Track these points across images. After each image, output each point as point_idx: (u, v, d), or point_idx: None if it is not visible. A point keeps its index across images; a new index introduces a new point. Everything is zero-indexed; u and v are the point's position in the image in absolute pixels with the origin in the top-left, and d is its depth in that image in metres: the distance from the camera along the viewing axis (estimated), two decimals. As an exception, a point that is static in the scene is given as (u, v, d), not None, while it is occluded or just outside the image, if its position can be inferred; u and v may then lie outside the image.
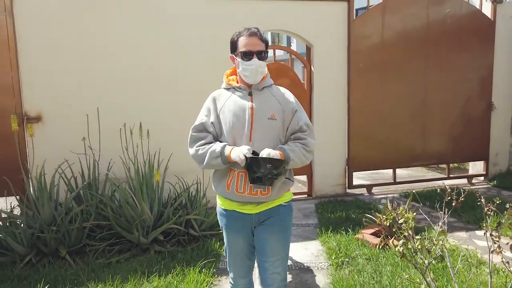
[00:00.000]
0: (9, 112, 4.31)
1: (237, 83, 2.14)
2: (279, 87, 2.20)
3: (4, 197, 4.23)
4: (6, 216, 3.63)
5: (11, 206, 3.82)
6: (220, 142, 2.07)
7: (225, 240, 2.23)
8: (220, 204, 2.20)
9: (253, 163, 1.90)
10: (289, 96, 2.16)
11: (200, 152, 2.06)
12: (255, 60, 2.02)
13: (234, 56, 2.11)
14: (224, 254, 2.24)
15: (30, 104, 4.42)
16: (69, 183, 4.05)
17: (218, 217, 2.24)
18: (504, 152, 6.27)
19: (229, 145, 2.04)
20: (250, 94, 2.09)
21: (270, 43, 15.09)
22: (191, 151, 2.10)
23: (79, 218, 3.66)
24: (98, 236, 3.74)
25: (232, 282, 2.27)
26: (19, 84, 4.37)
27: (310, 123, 2.15)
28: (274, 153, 1.95)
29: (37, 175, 3.76)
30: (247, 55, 2.03)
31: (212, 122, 2.09)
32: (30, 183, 3.73)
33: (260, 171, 1.89)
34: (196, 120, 2.14)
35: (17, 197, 3.84)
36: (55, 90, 4.46)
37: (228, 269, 2.30)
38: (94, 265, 3.44)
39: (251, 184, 1.97)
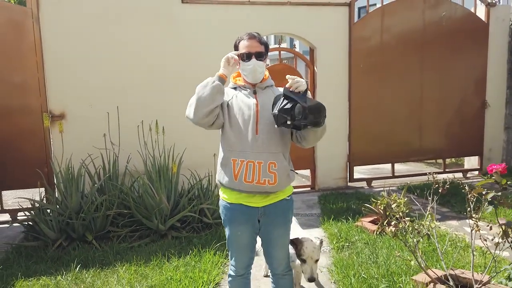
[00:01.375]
0: (36, 110, 4.68)
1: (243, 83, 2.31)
2: (279, 87, 2.32)
3: (29, 188, 4.63)
4: (38, 205, 4.01)
5: (40, 197, 4.19)
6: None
7: (227, 233, 2.31)
8: (225, 198, 2.26)
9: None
10: None
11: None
12: (253, 60, 2.19)
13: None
14: (227, 247, 2.40)
15: (54, 103, 4.79)
16: (94, 175, 4.41)
17: (222, 211, 2.30)
18: (498, 148, 6.59)
19: (236, 137, 2.16)
20: (254, 92, 2.25)
21: (275, 45, 15.34)
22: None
23: (103, 207, 4.03)
24: (120, 223, 4.11)
25: (233, 274, 2.34)
26: (44, 84, 4.74)
27: None
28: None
29: (65, 168, 4.13)
30: (246, 56, 2.20)
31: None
32: (60, 175, 4.10)
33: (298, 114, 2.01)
34: None
35: (44, 188, 4.20)
36: (77, 91, 4.81)
37: (230, 261, 2.37)
38: (118, 248, 3.81)
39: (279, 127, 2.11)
